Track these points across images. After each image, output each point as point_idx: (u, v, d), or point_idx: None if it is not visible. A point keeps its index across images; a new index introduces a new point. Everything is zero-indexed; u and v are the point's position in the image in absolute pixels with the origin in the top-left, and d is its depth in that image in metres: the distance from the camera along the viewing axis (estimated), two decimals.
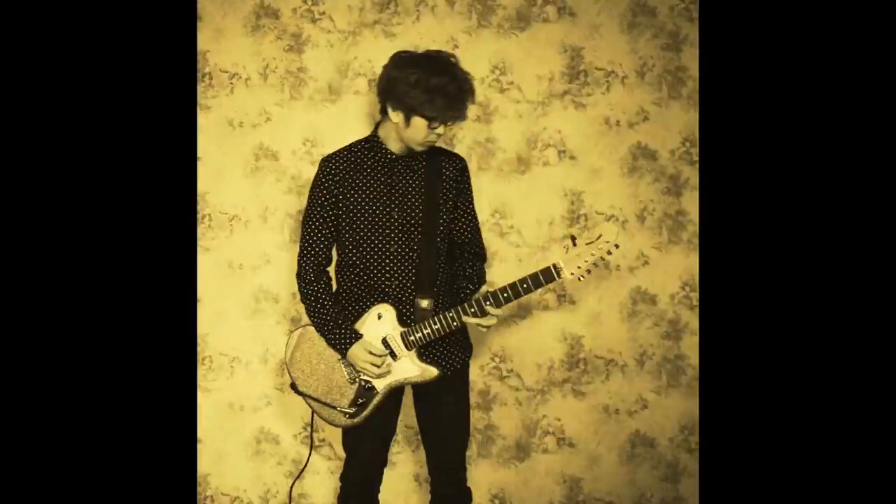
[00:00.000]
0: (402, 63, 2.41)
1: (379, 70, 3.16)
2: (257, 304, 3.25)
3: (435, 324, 2.41)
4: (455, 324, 2.41)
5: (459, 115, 2.41)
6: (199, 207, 3.20)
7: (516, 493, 3.25)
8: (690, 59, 3.19)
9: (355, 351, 2.43)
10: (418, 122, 2.37)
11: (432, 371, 2.45)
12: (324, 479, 3.26)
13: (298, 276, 2.51)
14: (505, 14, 3.20)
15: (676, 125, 3.21)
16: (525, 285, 2.38)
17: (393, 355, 2.45)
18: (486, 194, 3.20)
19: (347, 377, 2.49)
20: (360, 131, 3.20)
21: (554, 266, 2.39)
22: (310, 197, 2.49)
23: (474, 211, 2.58)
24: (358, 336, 2.45)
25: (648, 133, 3.21)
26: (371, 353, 2.43)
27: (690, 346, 3.22)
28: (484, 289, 2.46)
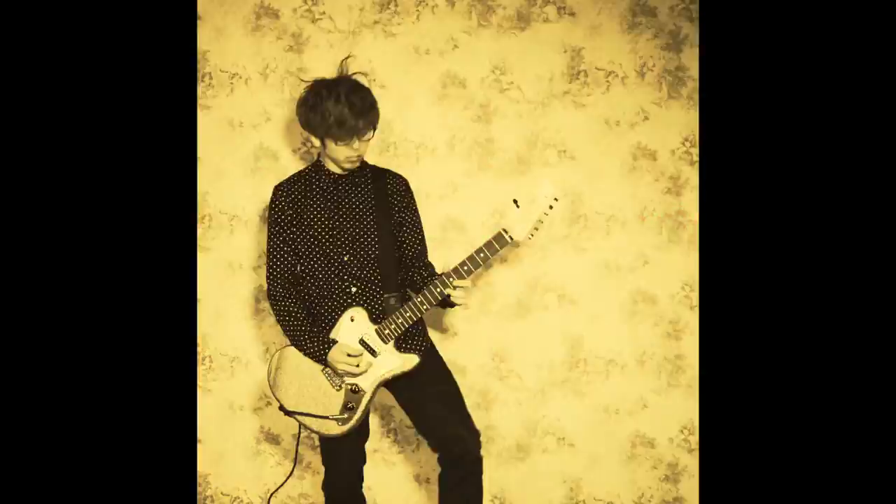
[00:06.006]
0: (305, 92, 2.55)
1: (379, 69, 3.19)
2: (257, 304, 3.25)
3: (406, 311, 2.51)
4: (425, 307, 2.50)
5: (353, 131, 2.48)
6: (199, 207, 3.20)
7: (516, 493, 3.25)
8: (691, 58, 3.18)
9: (334, 355, 2.51)
10: (330, 144, 2.51)
11: (413, 358, 2.55)
12: None
13: (269, 296, 2.62)
14: (505, 14, 3.20)
15: (676, 125, 3.20)
16: (482, 254, 2.49)
17: (372, 352, 2.53)
18: (486, 194, 3.20)
19: (333, 385, 2.55)
20: None
21: (504, 230, 2.49)
22: (269, 223, 2.63)
23: (420, 224, 2.71)
24: (333, 342, 2.53)
25: (648, 133, 3.21)
26: (349, 354, 2.51)
27: (690, 346, 3.21)
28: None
